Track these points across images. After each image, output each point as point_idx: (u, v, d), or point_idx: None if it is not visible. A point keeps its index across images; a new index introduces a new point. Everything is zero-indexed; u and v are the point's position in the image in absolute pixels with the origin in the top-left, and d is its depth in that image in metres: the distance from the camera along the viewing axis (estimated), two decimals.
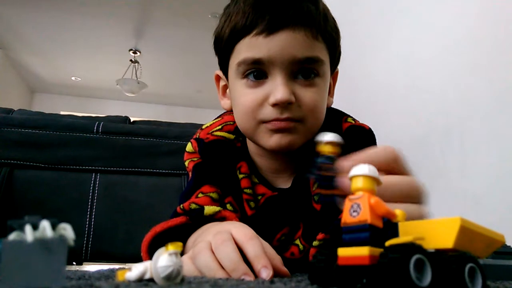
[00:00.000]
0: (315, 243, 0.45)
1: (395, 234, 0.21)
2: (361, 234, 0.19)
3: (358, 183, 0.21)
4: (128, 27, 3.75)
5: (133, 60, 4.29)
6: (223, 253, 0.31)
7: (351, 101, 1.03)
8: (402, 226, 0.21)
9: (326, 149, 0.28)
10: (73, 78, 4.89)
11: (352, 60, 1.33)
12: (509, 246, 0.34)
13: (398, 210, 0.21)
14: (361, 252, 0.19)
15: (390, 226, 0.21)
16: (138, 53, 4.21)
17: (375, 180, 0.21)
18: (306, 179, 0.52)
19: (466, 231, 0.20)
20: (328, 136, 0.28)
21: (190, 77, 4.63)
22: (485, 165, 0.71)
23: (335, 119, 0.56)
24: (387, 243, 0.19)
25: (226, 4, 0.52)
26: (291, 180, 0.54)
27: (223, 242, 0.32)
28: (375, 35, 1.28)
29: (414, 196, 0.29)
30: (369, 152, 0.29)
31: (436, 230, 0.21)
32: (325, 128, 0.53)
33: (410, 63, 1.04)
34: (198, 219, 0.44)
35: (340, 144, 0.28)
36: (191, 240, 0.42)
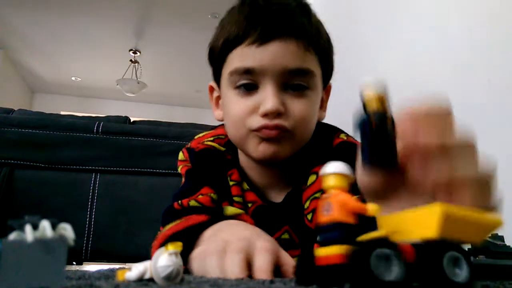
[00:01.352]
0: (319, 238, 0.45)
1: (374, 228, 0.20)
2: (333, 232, 0.19)
3: (329, 182, 0.21)
4: (128, 27, 3.75)
5: (133, 60, 4.29)
6: (230, 261, 0.31)
7: (351, 101, 1.03)
8: (384, 220, 0.21)
9: (375, 104, 0.22)
10: (73, 78, 4.89)
11: (351, 60, 1.33)
12: (509, 246, 0.34)
13: (371, 204, 0.20)
14: (334, 251, 0.19)
15: (367, 221, 0.20)
16: (138, 53, 4.21)
17: (347, 177, 0.21)
18: (299, 195, 0.52)
19: (451, 217, 0.19)
20: (373, 86, 0.22)
21: (190, 77, 4.63)
22: None
23: (327, 134, 0.55)
24: (358, 239, 0.19)
25: (223, 17, 0.53)
26: (282, 194, 0.54)
27: (236, 251, 0.32)
28: (374, 35, 1.28)
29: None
30: (426, 105, 0.25)
31: (418, 220, 0.20)
32: (315, 142, 0.52)
33: (409, 63, 1.04)
34: (219, 218, 0.43)
35: (387, 98, 0.23)
36: (208, 233, 0.41)
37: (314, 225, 0.49)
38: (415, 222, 0.20)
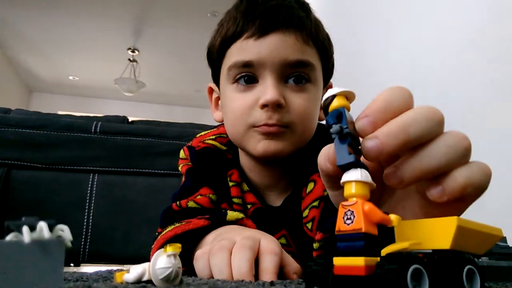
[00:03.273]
0: (315, 245, 0.45)
1: (391, 239, 0.20)
2: (356, 242, 0.19)
3: (351, 189, 0.20)
4: (127, 26, 3.74)
5: (131, 59, 4.29)
6: (237, 259, 0.31)
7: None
8: (398, 227, 0.21)
9: (342, 102, 0.21)
10: (71, 77, 4.88)
11: (353, 59, 1.33)
12: (511, 247, 0.34)
13: (393, 215, 0.20)
14: (357, 262, 0.18)
15: (385, 232, 0.20)
16: (137, 52, 4.20)
17: (368, 185, 0.21)
18: (298, 200, 0.51)
19: (463, 230, 0.20)
20: (339, 88, 0.22)
21: (189, 76, 4.63)
22: None
23: (327, 138, 0.53)
24: (383, 252, 0.19)
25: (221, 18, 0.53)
26: (281, 198, 0.53)
27: (244, 248, 0.32)
28: (376, 35, 1.28)
29: (441, 124, 0.23)
30: (384, 95, 0.23)
31: (432, 230, 0.21)
32: (315, 144, 0.51)
33: (410, 63, 1.04)
34: (220, 223, 0.43)
35: (352, 98, 0.22)
36: (210, 236, 0.41)
37: (314, 233, 0.48)
38: (429, 232, 0.21)
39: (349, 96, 0.22)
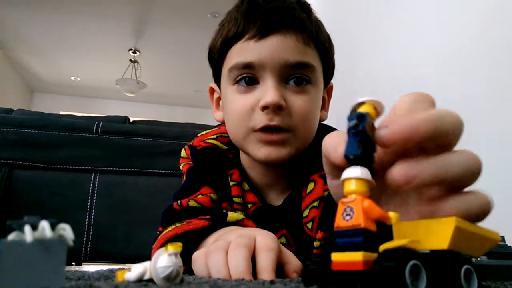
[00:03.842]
0: (316, 244, 0.45)
1: (390, 237, 0.20)
2: (355, 238, 0.19)
3: (350, 186, 0.20)
4: (128, 26, 3.75)
5: (132, 60, 4.29)
6: (234, 259, 0.31)
7: (351, 101, 1.03)
8: (396, 227, 0.21)
9: (368, 110, 0.22)
10: (72, 77, 4.89)
11: (353, 59, 1.33)
12: (510, 246, 0.34)
13: (392, 213, 0.20)
14: (355, 257, 0.18)
15: (384, 229, 0.20)
16: (138, 53, 4.21)
17: (368, 182, 0.21)
18: (298, 200, 0.52)
19: (461, 231, 0.20)
20: (369, 97, 0.22)
21: (189, 76, 4.63)
22: (485, 165, 0.71)
23: None
24: (381, 248, 0.19)
25: (222, 18, 0.53)
26: (281, 197, 0.53)
27: (239, 247, 0.32)
28: (376, 34, 1.28)
29: (475, 175, 0.22)
30: (414, 119, 0.21)
31: (430, 230, 0.21)
32: (316, 144, 0.52)
33: (411, 62, 1.04)
34: (220, 224, 0.43)
35: (381, 109, 0.22)
36: (211, 238, 0.41)
37: (314, 233, 0.48)
38: (427, 232, 0.21)
39: (377, 107, 0.22)
